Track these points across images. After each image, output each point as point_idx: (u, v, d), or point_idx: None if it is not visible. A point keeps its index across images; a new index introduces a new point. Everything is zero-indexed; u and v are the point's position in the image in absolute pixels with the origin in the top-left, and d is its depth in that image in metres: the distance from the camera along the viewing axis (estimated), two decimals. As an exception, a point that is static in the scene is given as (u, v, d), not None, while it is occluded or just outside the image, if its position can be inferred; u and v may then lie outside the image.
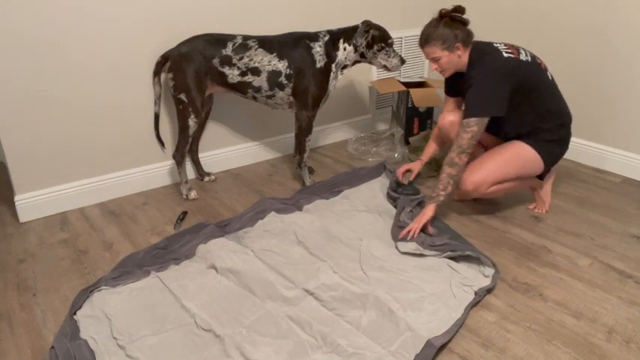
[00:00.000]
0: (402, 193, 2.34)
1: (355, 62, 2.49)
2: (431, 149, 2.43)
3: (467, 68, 2.09)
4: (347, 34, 2.42)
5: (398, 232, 2.07)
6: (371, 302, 1.64)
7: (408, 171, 2.43)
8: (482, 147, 2.40)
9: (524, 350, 1.51)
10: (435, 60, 2.07)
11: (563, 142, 2.17)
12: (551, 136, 2.12)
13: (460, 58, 2.06)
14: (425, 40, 2.06)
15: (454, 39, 2.01)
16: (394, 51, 2.45)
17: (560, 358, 1.48)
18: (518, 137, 2.16)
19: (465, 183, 2.12)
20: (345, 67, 2.48)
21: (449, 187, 2.06)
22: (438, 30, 2.02)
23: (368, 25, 2.37)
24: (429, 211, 2.07)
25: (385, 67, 2.48)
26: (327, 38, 2.41)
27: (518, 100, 2.03)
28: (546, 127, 2.11)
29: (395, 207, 2.31)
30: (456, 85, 2.26)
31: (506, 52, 2.01)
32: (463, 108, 2.11)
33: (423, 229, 2.07)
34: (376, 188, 2.50)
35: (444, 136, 2.35)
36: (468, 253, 1.87)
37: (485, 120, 1.98)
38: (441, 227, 2.16)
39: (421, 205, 2.27)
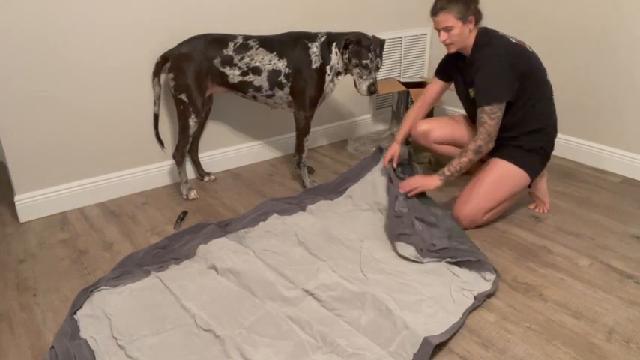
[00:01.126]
0: (400, 176, 2.26)
1: (346, 71, 2.43)
2: (405, 129, 2.36)
3: (472, 50, 2.07)
4: (340, 38, 2.37)
5: (395, 226, 2.01)
6: (369, 301, 1.63)
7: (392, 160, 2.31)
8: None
9: (524, 350, 1.51)
10: (447, 29, 2.01)
11: (544, 153, 2.16)
12: (531, 145, 2.12)
13: (469, 34, 2.04)
14: (440, 7, 1.99)
15: (469, 11, 1.99)
16: (369, 74, 2.32)
17: (560, 358, 1.48)
18: (501, 140, 2.12)
19: (459, 219, 2.12)
20: (339, 73, 2.45)
21: (463, 171, 2.08)
22: None
23: (348, 39, 2.31)
24: (433, 182, 2.10)
25: (355, 85, 2.39)
26: (323, 39, 2.39)
27: (516, 92, 2.02)
28: (530, 129, 2.10)
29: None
30: (449, 69, 2.25)
31: (512, 39, 2.03)
32: (473, 95, 2.10)
33: (420, 197, 2.15)
34: (376, 177, 2.38)
35: (413, 140, 2.39)
36: (468, 258, 1.84)
37: (504, 104, 1.99)
38: (439, 216, 2.10)
39: (417, 195, 2.16)
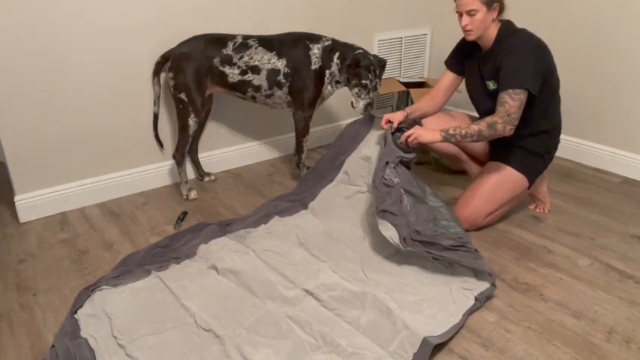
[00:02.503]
0: (398, 142, 2.06)
1: (346, 84, 2.43)
2: (416, 106, 2.22)
3: (495, 41, 2.00)
4: (343, 51, 2.37)
5: (382, 197, 1.88)
6: (370, 301, 1.63)
7: (390, 122, 2.13)
8: (466, 154, 2.35)
9: (524, 350, 1.51)
10: (470, 13, 1.92)
11: (549, 157, 2.15)
12: (537, 147, 2.10)
13: (492, 23, 1.97)
14: None
15: None
16: (367, 94, 2.33)
17: (560, 358, 1.48)
18: (506, 140, 2.09)
19: (459, 221, 2.08)
20: (338, 82, 2.45)
21: (468, 138, 1.94)
22: None
23: (349, 64, 2.31)
24: (433, 135, 1.97)
25: (352, 104, 2.38)
26: (327, 44, 2.40)
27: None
28: (539, 130, 2.07)
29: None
30: (462, 59, 2.18)
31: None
32: (494, 87, 2.01)
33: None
34: (371, 150, 2.23)
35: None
36: (453, 260, 1.77)
37: (527, 94, 1.89)
38: (427, 191, 2.01)
39: (404, 164, 2.02)
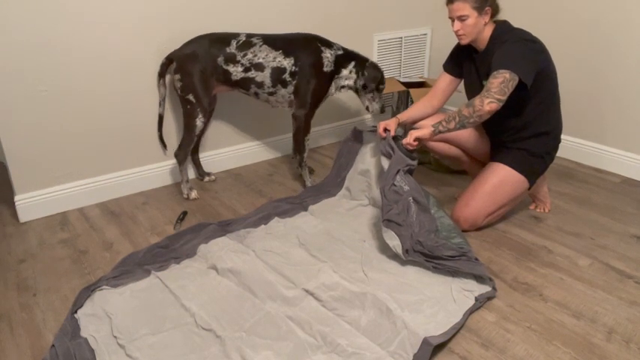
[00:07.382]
0: (402, 148, 2.07)
1: (349, 89, 2.60)
2: (409, 112, 2.24)
3: (488, 43, 2.00)
4: (359, 62, 2.51)
5: (388, 204, 1.91)
6: (370, 301, 1.63)
7: (387, 130, 2.15)
8: (466, 155, 2.35)
9: (524, 350, 1.51)
10: (461, 19, 1.94)
11: (549, 158, 2.14)
12: (538, 148, 2.09)
13: (484, 26, 1.98)
14: None
15: (486, 2, 1.93)
16: (380, 97, 2.58)
17: (560, 358, 1.48)
18: (507, 142, 2.12)
19: (459, 221, 2.12)
20: (343, 87, 2.57)
21: (452, 123, 1.92)
22: None
23: (378, 81, 2.52)
24: (424, 132, 1.98)
25: (367, 108, 2.61)
26: (340, 52, 2.48)
27: (533, 86, 1.95)
28: (540, 131, 2.07)
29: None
30: (459, 61, 2.18)
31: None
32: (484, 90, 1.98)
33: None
34: (368, 163, 2.31)
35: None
36: (454, 268, 1.79)
37: (516, 79, 1.85)
38: (431, 200, 2.03)
39: (410, 171, 2.06)
